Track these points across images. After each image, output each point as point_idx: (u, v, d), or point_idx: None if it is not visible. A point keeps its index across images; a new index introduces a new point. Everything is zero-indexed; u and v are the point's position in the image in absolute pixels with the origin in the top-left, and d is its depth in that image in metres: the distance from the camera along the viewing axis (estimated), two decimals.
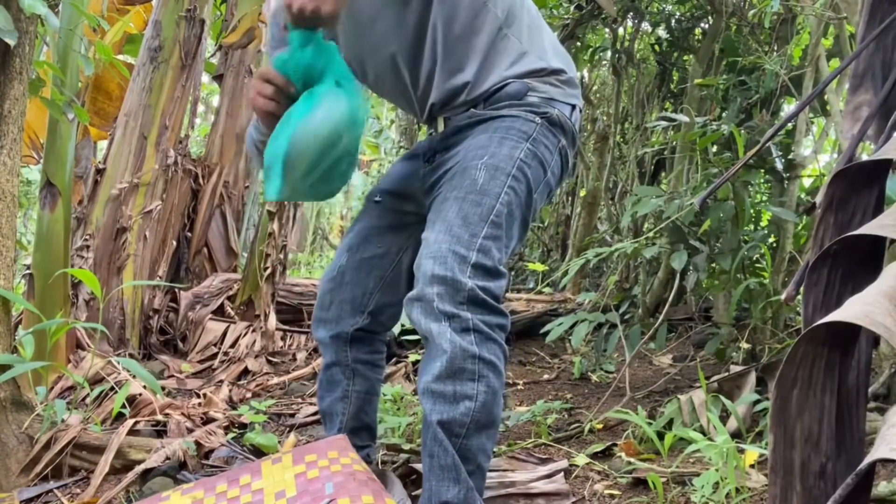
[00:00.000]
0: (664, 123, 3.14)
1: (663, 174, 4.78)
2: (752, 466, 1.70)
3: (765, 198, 3.71)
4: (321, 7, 1.22)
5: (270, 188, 1.30)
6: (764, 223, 3.65)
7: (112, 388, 2.49)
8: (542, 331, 2.79)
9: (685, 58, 4.62)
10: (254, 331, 3.57)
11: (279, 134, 1.30)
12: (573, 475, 1.81)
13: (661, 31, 4.76)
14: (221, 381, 3.04)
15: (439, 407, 1.26)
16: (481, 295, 1.28)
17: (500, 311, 1.32)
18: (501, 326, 1.32)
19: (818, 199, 0.76)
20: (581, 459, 1.87)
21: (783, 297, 0.77)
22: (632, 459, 1.83)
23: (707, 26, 4.24)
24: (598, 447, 1.97)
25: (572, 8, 4.38)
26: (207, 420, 2.38)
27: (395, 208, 1.62)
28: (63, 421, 2.01)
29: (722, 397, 2.04)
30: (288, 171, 1.28)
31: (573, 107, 1.53)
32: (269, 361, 3.36)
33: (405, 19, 1.47)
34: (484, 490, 1.35)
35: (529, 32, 1.52)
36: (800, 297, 0.77)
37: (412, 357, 3.07)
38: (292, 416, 2.55)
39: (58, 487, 1.88)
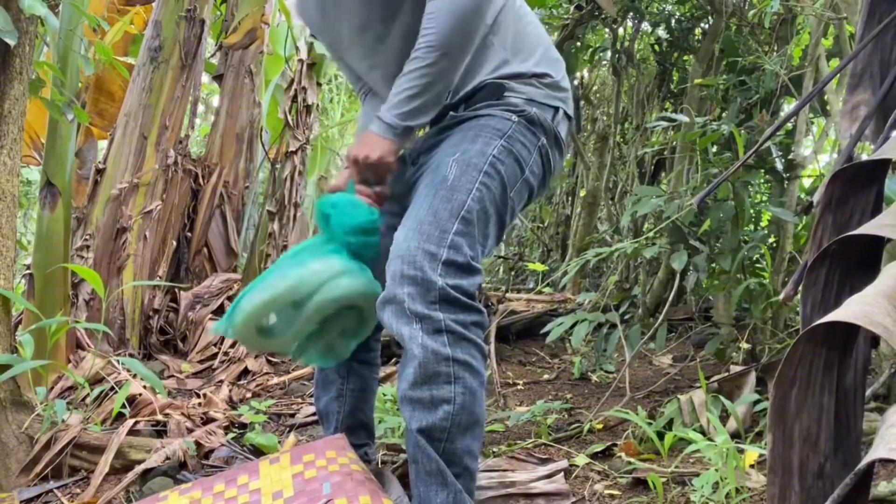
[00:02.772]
0: (664, 123, 3.14)
1: (663, 174, 4.78)
2: (751, 466, 1.69)
3: (765, 198, 3.72)
4: (370, 155, 1.38)
5: (221, 322, 1.38)
6: (764, 223, 3.65)
7: (112, 388, 2.49)
8: (542, 331, 2.79)
9: (685, 58, 4.62)
10: None
11: (258, 280, 1.39)
12: (573, 475, 1.81)
13: (661, 31, 4.75)
14: (221, 381, 3.04)
15: (417, 414, 1.24)
16: (453, 293, 1.26)
17: (475, 308, 1.30)
18: (477, 324, 1.30)
19: (815, 198, 0.76)
20: (581, 459, 1.87)
21: (781, 296, 0.77)
22: (632, 459, 1.83)
23: (707, 26, 4.24)
24: (598, 447, 1.97)
25: (572, 8, 4.38)
26: (207, 420, 2.38)
27: (386, 211, 1.62)
28: (63, 421, 2.01)
29: (722, 397, 2.04)
30: (236, 313, 1.35)
31: (556, 109, 1.51)
32: (269, 361, 3.36)
33: (389, 33, 1.47)
34: (474, 490, 1.33)
35: (515, 39, 1.50)
36: (799, 296, 0.77)
37: None
38: (292, 416, 2.55)
39: (58, 487, 1.88)
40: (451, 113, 1.49)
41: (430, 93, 1.36)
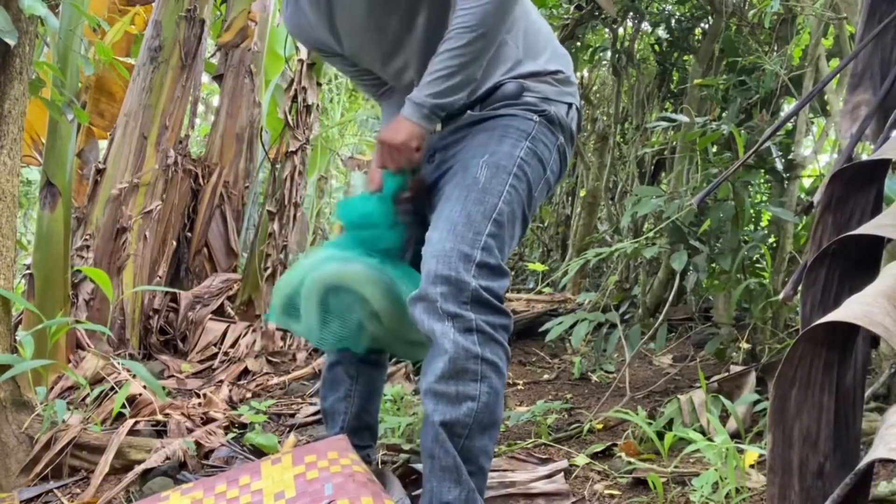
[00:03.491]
0: (664, 123, 3.14)
1: (663, 174, 4.78)
2: (751, 466, 1.70)
3: (765, 198, 3.71)
4: (394, 138, 1.39)
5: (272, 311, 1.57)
6: (764, 223, 3.65)
7: (112, 388, 2.49)
8: (541, 329, 2.79)
9: (685, 58, 4.62)
10: (254, 331, 3.57)
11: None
12: (573, 475, 1.81)
13: (661, 31, 4.75)
14: (221, 381, 3.04)
15: (441, 407, 1.26)
16: (485, 295, 1.28)
17: (504, 312, 1.32)
18: (504, 327, 1.32)
19: (815, 198, 0.76)
20: (581, 459, 1.87)
21: (781, 296, 0.77)
22: (632, 459, 1.83)
23: (707, 26, 4.24)
24: (598, 447, 1.97)
25: (572, 8, 4.38)
26: (207, 420, 2.38)
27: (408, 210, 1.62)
28: (63, 421, 2.01)
29: (722, 397, 2.04)
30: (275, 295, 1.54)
31: (570, 105, 1.53)
32: (269, 361, 3.36)
33: (413, 28, 1.47)
34: (485, 491, 1.34)
35: (526, 37, 1.51)
36: (798, 296, 0.77)
37: None
38: (292, 416, 2.55)
39: (58, 487, 1.88)
40: (469, 112, 1.49)
41: (463, 73, 1.37)
